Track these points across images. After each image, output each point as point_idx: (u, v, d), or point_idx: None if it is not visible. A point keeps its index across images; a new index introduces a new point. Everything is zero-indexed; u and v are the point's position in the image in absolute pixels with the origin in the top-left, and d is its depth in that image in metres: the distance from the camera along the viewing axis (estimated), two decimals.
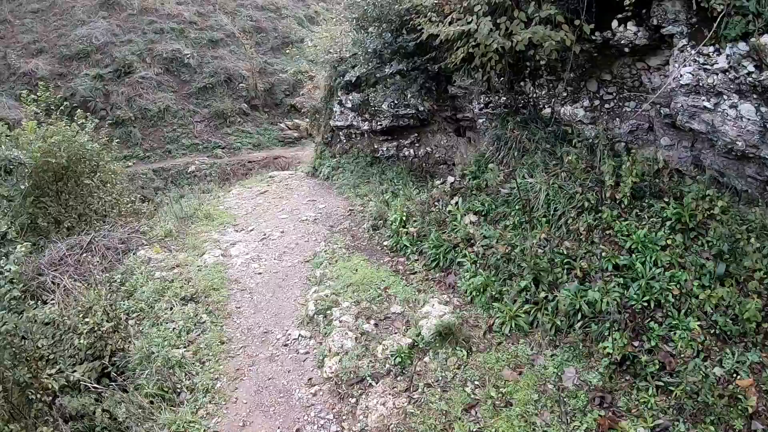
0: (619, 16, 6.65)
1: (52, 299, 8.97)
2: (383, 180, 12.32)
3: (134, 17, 29.18)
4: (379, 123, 12.75)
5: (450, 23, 7.84)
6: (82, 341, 7.71)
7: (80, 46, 26.82)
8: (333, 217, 11.23)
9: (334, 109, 14.25)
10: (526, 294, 6.97)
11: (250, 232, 11.15)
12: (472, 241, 8.15)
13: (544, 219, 7.65)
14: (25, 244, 9.19)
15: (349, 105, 13.43)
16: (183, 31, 29.13)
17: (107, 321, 8.06)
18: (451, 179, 9.61)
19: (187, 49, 27.84)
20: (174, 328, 7.82)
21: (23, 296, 9.11)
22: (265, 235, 10.77)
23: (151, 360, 7.18)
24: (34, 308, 8.66)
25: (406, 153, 12.90)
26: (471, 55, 7.79)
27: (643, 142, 7.64)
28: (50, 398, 7.25)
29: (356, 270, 8.53)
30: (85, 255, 10.39)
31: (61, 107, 12.69)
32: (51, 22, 28.62)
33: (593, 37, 7.05)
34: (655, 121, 7.36)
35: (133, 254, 10.47)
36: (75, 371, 7.69)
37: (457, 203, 8.86)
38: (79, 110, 12.97)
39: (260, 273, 9.21)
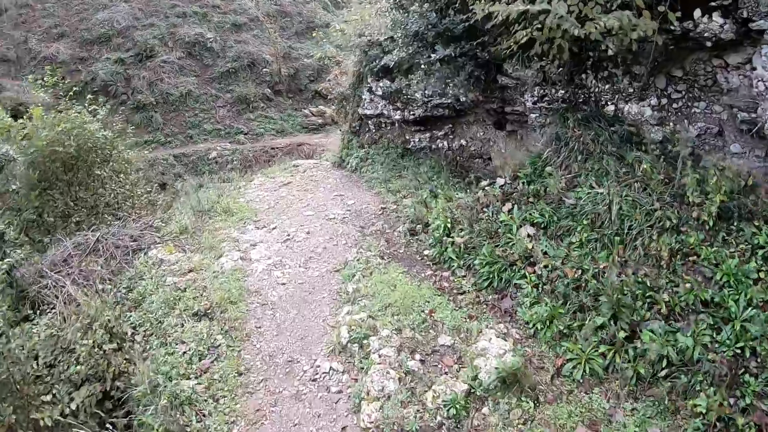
0: (706, 5, 5.69)
1: (53, 309, 7.84)
2: (416, 174, 11.02)
3: (156, 1, 28.11)
4: (411, 112, 11.52)
5: (509, 2, 6.45)
6: (80, 367, 6.54)
7: (101, 30, 25.92)
8: (364, 215, 9.92)
9: (364, 97, 13.00)
10: (602, 332, 5.67)
11: (272, 230, 9.88)
12: (531, 259, 6.80)
13: (617, 238, 6.33)
14: (23, 246, 8.04)
15: (380, 92, 12.23)
16: (206, 15, 28.02)
17: (109, 341, 6.90)
18: (500, 181, 8.21)
19: (209, 33, 26.75)
20: (185, 352, 6.61)
21: (20, 305, 8.01)
22: (288, 235, 9.49)
23: (157, 394, 5.98)
24: (32, 320, 7.56)
25: (440, 145, 11.69)
26: (531, 41, 6.41)
27: (710, 147, 6.67)
28: None
29: (394, 286, 7.21)
30: (90, 256, 9.24)
31: (71, 92, 11.51)
32: (72, 7, 27.75)
33: (671, 27, 5.94)
34: (726, 126, 6.48)
35: (144, 254, 9.31)
36: (72, 397, 6.56)
37: (511, 212, 7.47)
38: (88, 96, 11.73)
39: (284, 283, 7.95)
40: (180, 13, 27.54)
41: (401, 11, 9.51)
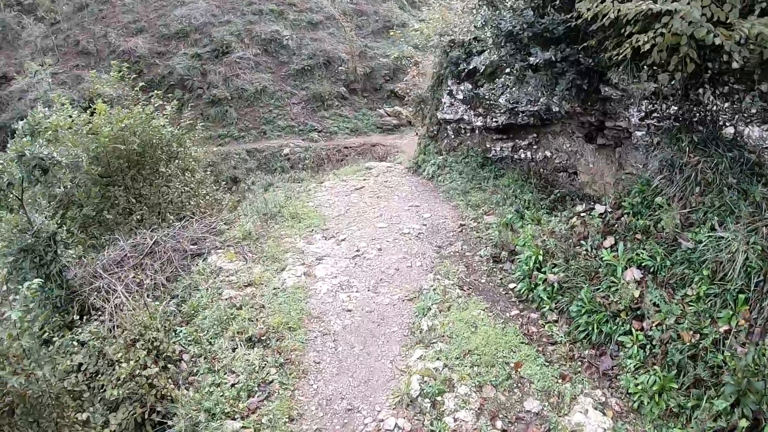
0: None
1: (101, 316, 7.14)
2: (498, 187, 9.82)
3: None
4: (494, 119, 10.36)
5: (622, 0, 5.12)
6: (117, 390, 5.72)
7: (179, 26, 26.01)
8: (441, 232, 8.76)
9: (443, 100, 11.91)
10: (722, 419, 4.33)
11: (340, 242, 8.90)
12: (639, 312, 5.44)
13: (741, 296, 4.88)
14: (77, 246, 7.41)
15: (461, 96, 11.11)
16: (282, 12, 27.60)
17: (154, 362, 6.07)
18: (600, 209, 6.83)
19: (285, 31, 26.29)
20: (233, 385, 5.70)
21: (69, 307, 7.35)
22: (358, 250, 8.46)
23: None
24: (77, 326, 6.86)
25: (522, 155, 10.50)
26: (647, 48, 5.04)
27: None
28: None
29: (475, 326, 6.01)
30: (147, 259, 8.56)
31: (138, 87, 11.00)
32: (151, 3, 28.18)
33: None
34: None
35: (203, 260, 8.58)
36: (107, 420, 5.76)
37: (614, 248, 6.09)
38: (156, 92, 11.14)
39: (349, 310, 6.90)
40: (256, 11, 27.27)
41: (491, 8, 8.26)
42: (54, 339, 5.96)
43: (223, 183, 14.50)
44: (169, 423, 5.54)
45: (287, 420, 5.23)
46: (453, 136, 12.17)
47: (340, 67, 25.22)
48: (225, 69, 24.08)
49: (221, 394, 5.55)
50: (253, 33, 25.97)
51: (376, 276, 7.62)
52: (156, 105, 10.50)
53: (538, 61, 7.20)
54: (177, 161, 10.81)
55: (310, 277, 7.81)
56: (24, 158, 6.59)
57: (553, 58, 7.16)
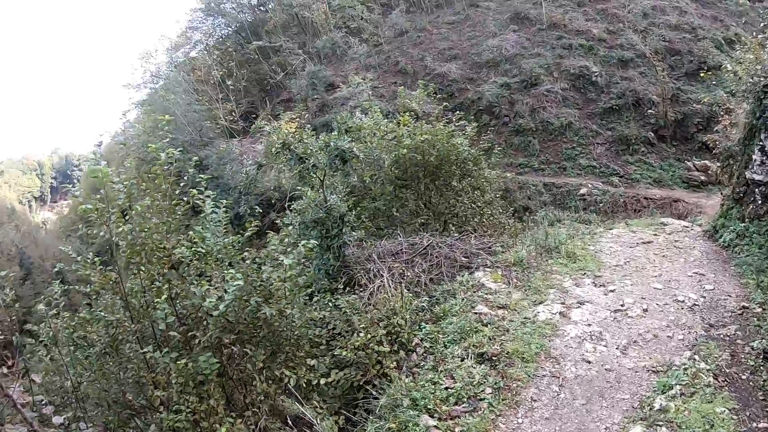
0: None
1: (361, 292, 7.98)
2: None
3: (543, 32, 28.05)
4: None
5: None
6: (347, 353, 6.38)
7: (490, 55, 27.10)
8: (718, 309, 7.33)
9: (753, 157, 9.85)
10: None
11: (608, 293, 8.21)
12: None
13: None
14: (361, 231, 8.46)
15: None
16: (591, 48, 26.58)
17: (389, 342, 6.54)
18: None
19: (594, 67, 25.28)
20: (447, 388, 5.78)
21: (338, 278, 8.41)
22: (623, 305, 7.68)
23: (394, 414, 5.38)
24: (340, 293, 7.85)
25: None
26: None
27: None
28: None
29: (711, 425, 4.79)
30: (418, 258, 9.20)
31: (441, 107, 11.89)
32: (464, 33, 29.97)
33: None
34: None
35: (469, 273, 8.81)
36: (329, 374, 6.40)
37: None
38: (458, 112, 11.89)
39: (589, 361, 6.29)
40: (566, 45, 26.77)
41: None
42: (316, 296, 6.95)
43: (512, 210, 14.59)
44: (376, 396, 5.90)
45: None
46: (761, 202, 9.92)
47: (649, 110, 23.08)
48: (532, 100, 24.28)
49: (433, 391, 5.67)
50: (561, 67, 25.63)
51: (630, 336, 6.80)
52: (457, 124, 11.22)
53: None
54: (469, 179, 11.35)
55: (564, 318, 7.39)
56: (329, 148, 7.84)
57: None
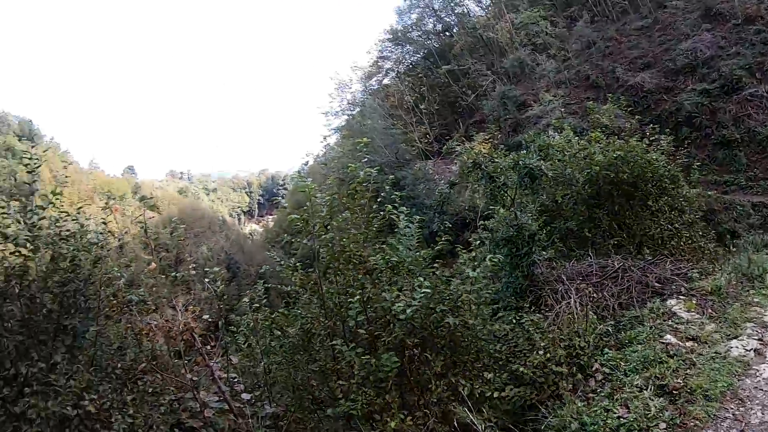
0: None
1: (547, 312, 7.97)
2: None
3: (739, 27, 23.76)
4: None
5: None
6: (524, 369, 6.45)
7: (685, 60, 24.01)
8: None
9: None
10: None
11: None
12: None
13: None
14: (551, 251, 8.46)
15: None
16: None
17: (566, 366, 6.49)
18: None
19: None
20: (619, 417, 5.55)
21: (525, 295, 8.47)
22: None
23: None
24: (526, 311, 7.85)
25: None
26: None
27: None
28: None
29: None
30: (608, 281, 8.86)
31: (633, 120, 11.05)
32: (655, 38, 26.66)
33: None
34: None
35: (661, 300, 8.27)
36: (503, 389, 6.48)
37: None
38: (651, 126, 10.96)
39: None
40: (766, 40, 22.41)
41: None
42: (501, 313, 7.15)
43: (713, 233, 12.93)
44: (546, 416, 5.91)
45: None
46: None
47: None
48: (735, 107, 20.88)
49: (604, 419, 5.51)
50: (764, 66, 21.61)
51: None
52: (651, 138, 10.42)
53: None
54: (667, 198, 10.51)
55: (759, 356, 6.53)
56: (518, 166, 7.97)
57: None
